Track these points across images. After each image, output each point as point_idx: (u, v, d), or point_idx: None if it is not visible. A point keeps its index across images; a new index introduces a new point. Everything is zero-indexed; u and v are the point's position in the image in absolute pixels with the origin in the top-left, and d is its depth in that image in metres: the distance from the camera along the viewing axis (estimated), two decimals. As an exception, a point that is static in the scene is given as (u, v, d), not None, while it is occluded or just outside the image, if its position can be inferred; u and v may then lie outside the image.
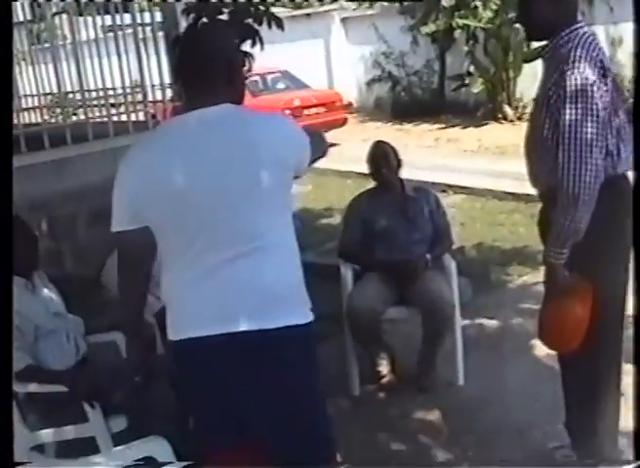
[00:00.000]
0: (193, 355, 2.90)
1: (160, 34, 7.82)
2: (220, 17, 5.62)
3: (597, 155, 3.21)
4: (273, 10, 6.59)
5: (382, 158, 5.12)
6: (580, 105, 3.20)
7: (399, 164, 5.17)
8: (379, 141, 5.34)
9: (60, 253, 6.21)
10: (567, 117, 3.22)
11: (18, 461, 2.42)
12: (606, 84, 3.28)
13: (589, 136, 3.19)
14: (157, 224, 2.78)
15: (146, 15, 7.89)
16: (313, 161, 3.03)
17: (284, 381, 2.81)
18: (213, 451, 3.05)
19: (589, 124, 3.19)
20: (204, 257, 2.74)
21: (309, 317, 2.84)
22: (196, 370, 2.95)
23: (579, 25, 3.41)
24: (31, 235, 4.20)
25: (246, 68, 2.95)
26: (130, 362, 3.33)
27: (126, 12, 8.06)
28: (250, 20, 5.79)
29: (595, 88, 3.22)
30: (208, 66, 2.79)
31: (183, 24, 6.57)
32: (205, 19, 5.42)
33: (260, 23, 5.81)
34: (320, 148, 3.13)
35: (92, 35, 8.40)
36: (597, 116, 3.21)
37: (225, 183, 2.69)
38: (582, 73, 3.22)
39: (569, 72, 3.24)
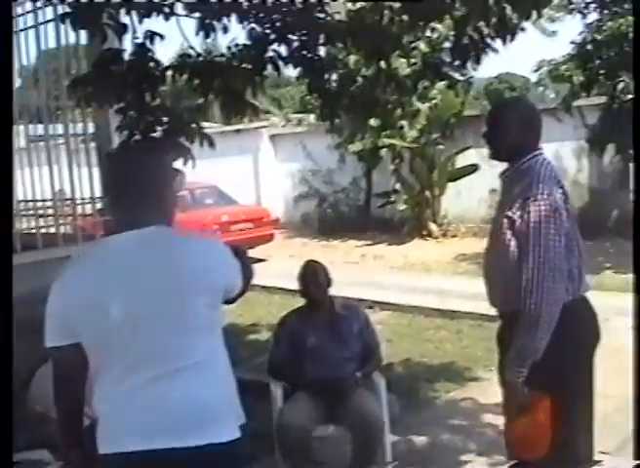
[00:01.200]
0: None
1: (92, 145, 7.84)
2: (154, 134, 5.68)
3: (559, 279, 3.32)
4: (204, 124, 6.70)
5: (312, 277, 5.19)
6: (544, 231, 3.32)
7: (329, 283, 5.25)
8: (309, 261, 5.41)
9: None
10: (532, 242, 3.34)
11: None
12: (567, 209, 3.43)
13: (553, 261, 3.31)
14: (87, 340, 2.80)
15: (79, 125, 7.83)
16: (243, 292, 3.09)
17: None
18: None
19: (553, 250, 3.32)
20: (131, 375, 2.75)
21: (235, 434, 2.83)
22: None
23: (539, 152, 3.59)
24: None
25: (178, 188, 3.02)
26: None
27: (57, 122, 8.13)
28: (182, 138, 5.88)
29: (558, 214, 3.36)
30: (139, 186, 2.84)
31: (116, 140, 6.61)
32: (138, 136, 5.50)
33: (192, 141, 5.90)
34: (249, 273, 3.18)
35: (22, 144, 8.37)
36: (560, 241, 3.34)
37: (154, 305, 2.73)
38: (547, 200, 3.35)
39: (533, 199, 3.37)
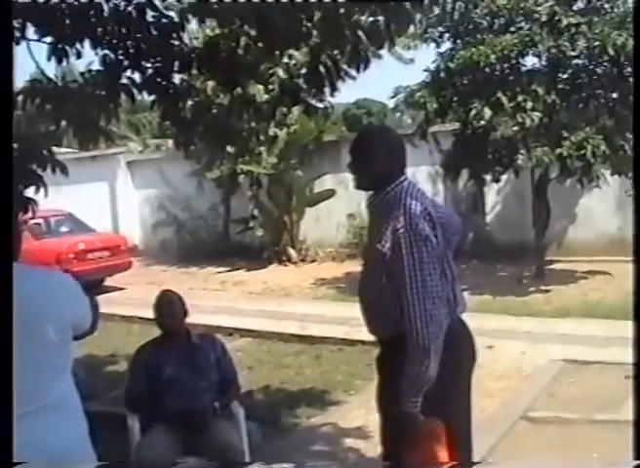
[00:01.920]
0: None
1: None
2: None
3: (439, 305, 3.34)
4: (59, 150, 6.56)
5: (167, 307, 5.12)
6: (418, 262, 3.32)
7: (185, 313, 5.18)
8: (164, 290, 5.33)
9: None
10: (407, 273, 3.33)
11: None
12: (436, 235, 3.41)
13: (430, 288, 3.32)
14: None
15: None
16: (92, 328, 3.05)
17: None
18: None
19: (429, 277, 3.33)
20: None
21: None
22: None
23: (403, 178, 3.58)
24: None
25: (28, 215, 2.98)
26: None
27: None
28: (34, 165, 5.73)
29: (429, 241, 3.36)
30: None
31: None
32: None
33: (44, 168, 5.76)
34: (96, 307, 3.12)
35: None
36: (434, 268, 3.36)
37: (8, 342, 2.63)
38: (416, 230, 3.35)
39: (402, 230, 3.36)
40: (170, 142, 21.23)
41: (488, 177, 13.48)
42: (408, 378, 3.36)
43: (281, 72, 6.91)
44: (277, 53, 6.08)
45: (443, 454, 3.45)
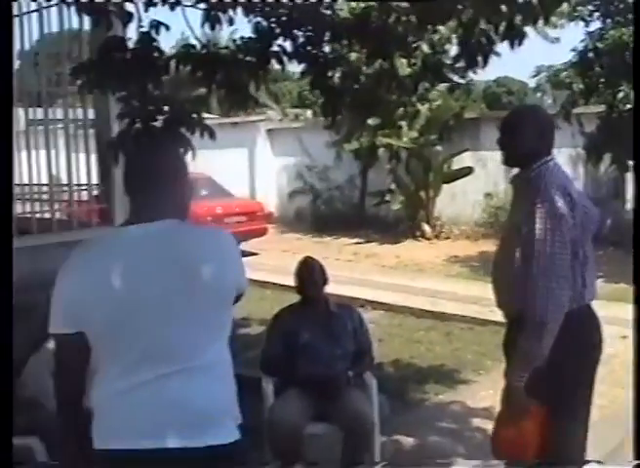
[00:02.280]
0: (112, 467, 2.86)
1: (90, 132, 7.79)
2: (154, 123, 5.66)
3: (564, 285, 3.33)
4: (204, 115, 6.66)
5: (309, 274, 5.17)
6: (549, 238, 3.34)
7: (325, 281, 5.23)
8: (307, 257, 5.38)
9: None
10: (537, 249, 3.35)
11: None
12: (574, 217, 3.42)
13: (557, 267, 3.33)
14: (91, 331, 2.74)
15: (79, 111, 7.76)
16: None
17: None
18: None
19: (558, 255, 3.33)
20: (135, 371, 2.70)
21: (235, 436, 2.79)
22: None
23: (549, 158, 3.60)
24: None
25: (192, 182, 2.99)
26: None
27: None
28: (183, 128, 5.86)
29: (564, 221, 3.37)
30: (156, 178, 2.81)
31: (116, 127, 6.57)
32: (139, 125, 5.47)
33: (193, 132, 5.87)
34: None
35: (21, 127, 8.31)
36: (565, 248, 3.36)
37: (163, 301, 2.67)
38: (553, 207, 3.37)
39: (539, 205, 3.38)
40: (308, 112, 21.47)
41: (630, 163, 13.08)
42: (519, 353, 3.37)
43: (425, 47, 6.86)
44: (429, 27, 6.04)
45: (535, 437, 3.45)
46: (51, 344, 4.77)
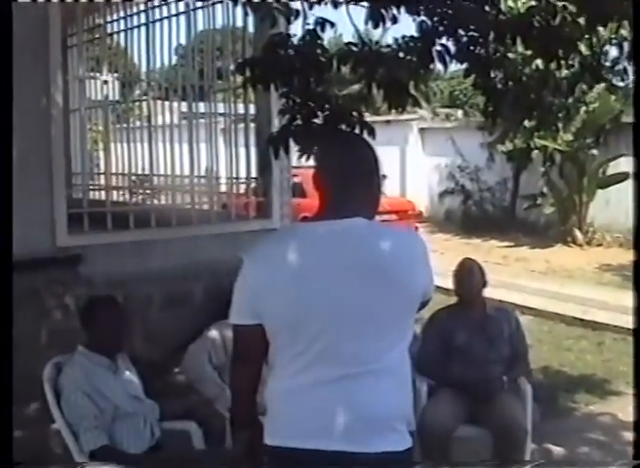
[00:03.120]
0: (282, 464, 2.86)
1: (251, 126, 7.94)
2: (315, 120, 5.71)
3: None
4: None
5: (468, 275, 5.13)
6: None
7: (484, 283, 5.17)
8: (466, 258, 5.33)
9: (132, 335, 6.26)
10: None
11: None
12: None
13: None
14: (272, 325, 2.75)
15: (239, 106, 7.93)
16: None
17: None
18: None
19: None
20: (314, 369, 2.70)
21: (409, 443, 2.75)
22: None
23: None
24: (121, 316, 4.27)
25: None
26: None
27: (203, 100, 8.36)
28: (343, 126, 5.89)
29: None
30: (358, 175, 2.78)
31: (277, 123, 6.68)
32: (299, 121, 5.54)
33: (353, 129, 5.90)
34: None
35: (175, 121, 8.55)
36: None
37: (350, 301, 2.64)
38: None
39: None
40: (459, 112, 21.30)
41: None
42: None
43: (584, 48, 6.70)
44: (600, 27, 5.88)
45: None
46: (211, 333, 4.92)
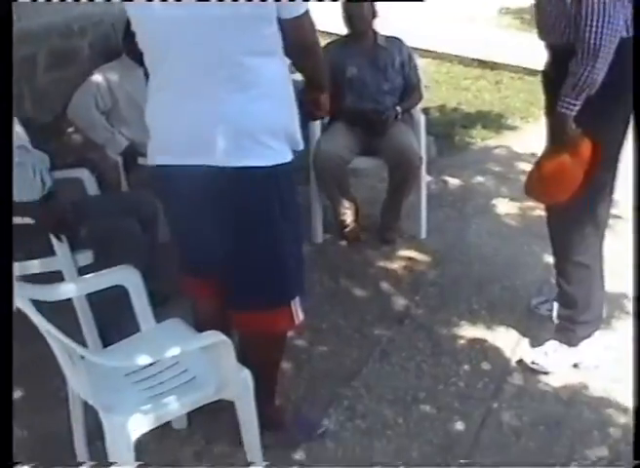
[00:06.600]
0: (160, 182, 2.97)
1: None
2: None
3: (620, 9, 3.16)
4: None
5: (357, 5, 4.94)
6: None
7: (374, 14, 5.00)
8: (356, -12, 5.10)
9: (19, 97, 6.04)
10: None
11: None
12: None
13: None
14: (139, 33, 2.75)
15: None
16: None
17: (237, 221, 2.79)
18: (183, 275, 3.16)
19: None
20: (175, 80, 2.69)
21: (276, 159, 2.75)
22: (165, 195, 3.05)
23: None
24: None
25: None
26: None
27: None
28: None
29: None
30: None
31: None
32: None
33: None
34: None
35: None
36: None
37: (193, 6, 2.54)
38: None
39: None
40: None
41: None
42: (570, 79, 3.21)
43: None
44: None
45: (579, 170, 3.39)
46: (95, 77, 4.78)
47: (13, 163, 2.90)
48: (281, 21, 2.65)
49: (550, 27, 3.44)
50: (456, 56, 10.58)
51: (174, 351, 2.58)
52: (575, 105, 3.25)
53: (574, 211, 3.54)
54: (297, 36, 2.71)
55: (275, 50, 2.71)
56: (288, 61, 2.84)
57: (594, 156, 3.36)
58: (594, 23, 3.12)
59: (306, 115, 3.18)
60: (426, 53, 10.64)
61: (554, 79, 3.41)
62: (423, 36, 11.59)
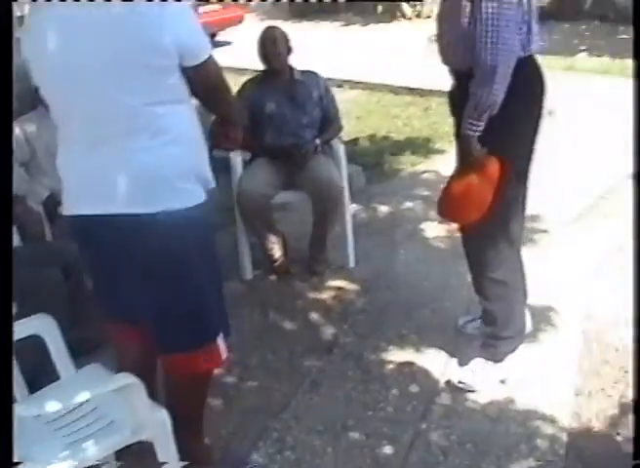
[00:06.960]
0: (76, 232, 2.98)
1: None
2: None
3: (515, 30, 3.22)
4: None
5: (272, 42, 4.99)
6: None
7: (289, 50, 5.07)
8: (268, 27, 5.15)
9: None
10: None
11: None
12: None
13: (507, 11, 3.17)
14: (43, 90, 2.78)
15: None
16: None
17: (155, 266, 2.81)
18: (107, 322, 3.19)
19: (507, 3, 3.20)
20: (83, 132, 2.71)
21: (193, 200, 2.79)
22: (82, 244, 3.06)
23: None
24: None
25: None
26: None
27: None
28: None
29: None
30: None
31: None
32: None
33: None
34: None
35: None
36: None
37: (92, 59, 2.57)
38: None
39: None
40: None
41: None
42: (471, 100, 3.28)
43: None
44: None
45: (488, 190, 3.45)
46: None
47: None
48: (185, 69, 2.70)
49: (452, 52, 3.52)
50: (385, 85, 10.72)
51: (84, 396, 2.59)
52: (478, 126, 3.32)
53: (487, 227, 3.61)
54: (202, 82, 2.77)
55: (181, 97, 2.76)
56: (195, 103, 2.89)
57: (502, 173, 3.44)
58: (489, 45, 3.19)
59: (217, 146, 3.24)
60: (358, 84, 10.83)
61: (458, 101, 3.49)
62: (355, 68, 11.77)
